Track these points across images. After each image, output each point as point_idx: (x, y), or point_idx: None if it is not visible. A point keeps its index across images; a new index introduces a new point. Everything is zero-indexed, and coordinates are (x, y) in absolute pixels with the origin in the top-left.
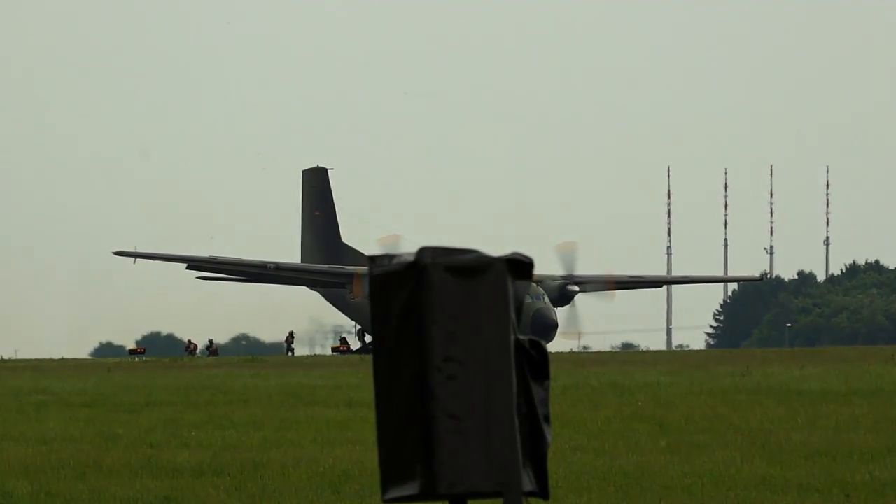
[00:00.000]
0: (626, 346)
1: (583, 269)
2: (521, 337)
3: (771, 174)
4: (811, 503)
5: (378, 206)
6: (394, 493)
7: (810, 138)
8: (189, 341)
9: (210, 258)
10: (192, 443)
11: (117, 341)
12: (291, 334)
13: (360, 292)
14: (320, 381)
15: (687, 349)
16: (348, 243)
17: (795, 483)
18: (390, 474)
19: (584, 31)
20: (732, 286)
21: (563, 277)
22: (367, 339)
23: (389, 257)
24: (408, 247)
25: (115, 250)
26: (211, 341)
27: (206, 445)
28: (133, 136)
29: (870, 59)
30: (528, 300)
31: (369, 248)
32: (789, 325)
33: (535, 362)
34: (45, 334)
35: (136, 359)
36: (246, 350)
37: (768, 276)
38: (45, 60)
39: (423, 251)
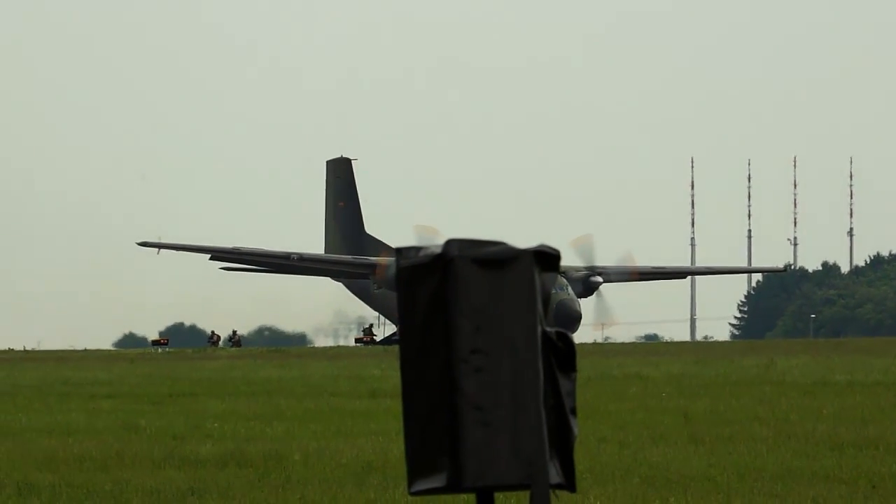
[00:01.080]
0: (650, 338)
1: (606, 261)
2: (547, 329)
3: (795, 165)
4: (837, 495)
5: (402, 197)
6: (420, 486)
7: (834, 129)
8: (212, 332)
9: (234, 249)
10: (215, 434)
11: (140, 332)
12: (213, 333)
13: (384, 275)
14: (343, 372)
15: (711, 340)
16: (372, 234)
17: (821, 474)
18: (416, 467)
19: (610, 20)
20: (756, 277)
21: (586, 269)
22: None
23: (416, 249)
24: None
25: (138, 241)
26: (234, 332)
27: (229, 437)
28: (158, 126)
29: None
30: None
31: (393, 238)
32: (813, 316)
33: (562, 354)
34: (68, 325)
35: (159, 350)
36: (269, 341)
37: (792, 267)
38: (72, 45)
39: (450, 243)
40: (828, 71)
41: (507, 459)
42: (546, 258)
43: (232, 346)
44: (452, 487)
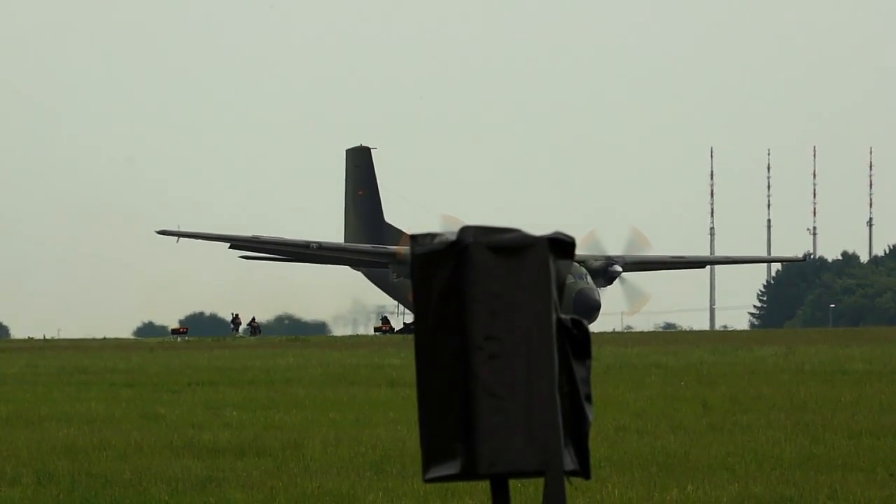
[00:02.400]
0: (669, 326)
1: (623, 249)
2: (562, 316)
3: (814, 155)
4: (855, 482)
5: (422, 186)
6: (435, 473)
7: (854, 119)
8: (235, 315)
9: (253, 237)
10: (234, 423)
11: (160, 321)
12: (237, 316)
13: (402, 259)
14: (362, 361)
15: (730, 329)
16: (391, 223)
17: (839, 462)
18: (431, 454)
19: (628, 8)
20: (776, 267)
21: (605, 258)
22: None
23: (431, 236)
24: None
25: (158, 229)
26: (253, 318)
27: (248, 425)
28: (177, 114)
29: None
30: (570, 280)
31: (412, 227)
32: (833, 305)
33: (577, 341)
34: (88, 314)
35: (179, 339)
36: (288, 329)
37: (811, 256)
38: (89, 31)
39: (465, 230)
40: (847, 60)
41: (521, 446)
42: (561, 245)
43: (251, 333)
44: (467, 474)
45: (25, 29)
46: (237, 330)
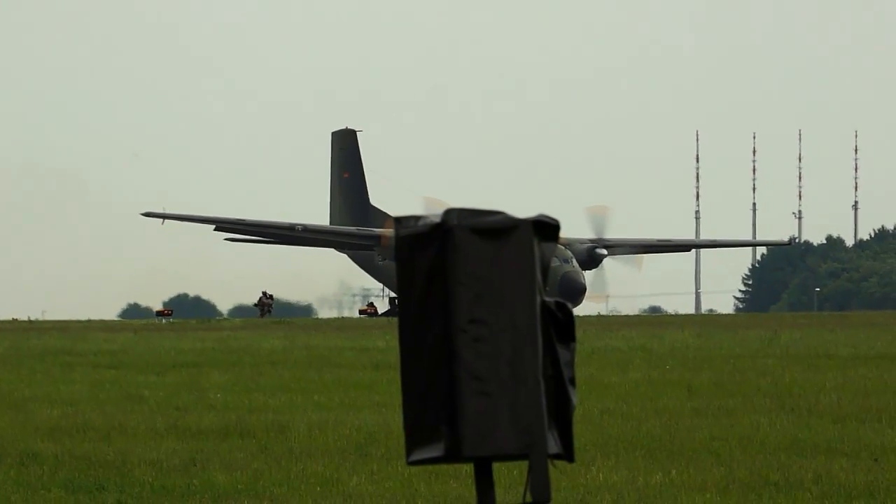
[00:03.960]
0: (654, 310)
1: (611, 234)
2: (546, 298)
3: (800, 138)
4: (839, 467)
5: (407, 169)
6: (418, 456)
7: (839, 103)
8: (264, 293)
9: (238, 220)
10: (218, 405)
11: (144, 303)
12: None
13: (387, 242)
14: (347, 344)
15: (715, 313)
16: (377, 205)
17: (824, 447)
18: (415, 436)
19: None
20: (761, 250)
21: (591, 241)
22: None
23: (415, 218)
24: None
25: (143, 211)
26: (270, 296)
27: (232, 408)
28: (163, 98)
29: None
30: (555, 263)
31: (398, 210)
32: (818, 289)
33: (561, 324)
34: (72, 295)
35: (163, 320)
36: (273, 312)
37: (797, 240)
38: (79, 17)
39: (449, 212)
40: (833, 44)
41: (505, 429)
42: (545, 228)
43: (261, 313)
44: (451, 457)
45: None
46: (268, 311)
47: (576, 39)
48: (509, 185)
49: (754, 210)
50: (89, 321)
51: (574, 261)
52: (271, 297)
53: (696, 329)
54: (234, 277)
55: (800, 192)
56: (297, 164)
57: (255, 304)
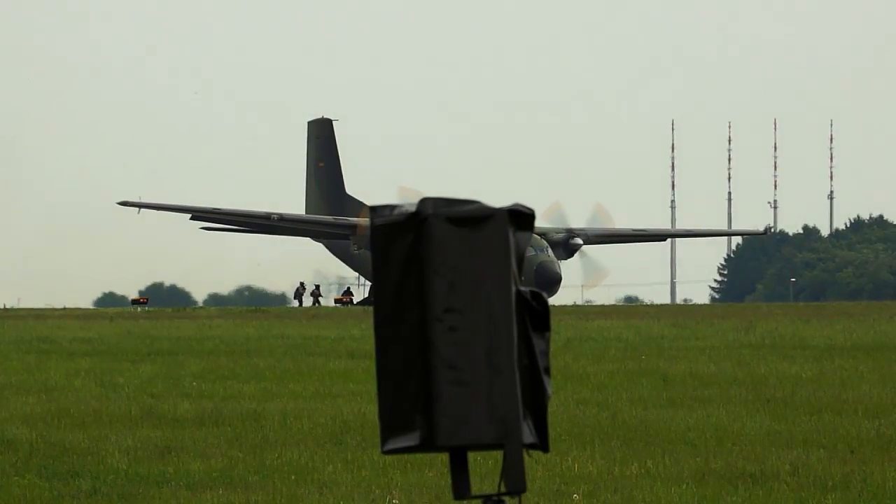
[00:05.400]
0: (630, 300)
1: (586, 223)
2: (522, 288)
3: (775, 128)
4: (816, 458)
5: (383, 158)
6: (393, 445)
7: (815, 92)
8: (305, 284)
9: (214, 209)
10: (194, 393)
11: (120, 291)
12: (302, 285)
13: (363, 231)
14: (322, 333)
15: (691, 303)
16: (352, 195)
17: (800, 438)
18: (389, 426)
19: None
20: (736, 240)
21: (566, 230)
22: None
23: (391, 207)
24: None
25: (119, 200)
26: (303, 285)
27: (208, 396)
28: (140, 84)
29: (876, 13)
30: (531, 253)
31: (374, 199)
32: (793, 279)
33: (536, 313)
34: (47, 283)
35: (139, 309)
36: (249, 301)
37: (772, 229)
38: (58, 10)
39: (424, 201)
40: (808, 33)
41: (480, 419)
42: (520, 217)
43: (313, 304)
44: (426, 446)
45: None
46: (316, 300)
47: (553, 28)
48: (485, 175)
49: (730, 200)
50: (65, 309)
51: (549, 250)
52: (317, 286)
53: (672, 319)
54: (209, 266)
55: (775, 181)
56: (273, 153)
57: (311, 294)
